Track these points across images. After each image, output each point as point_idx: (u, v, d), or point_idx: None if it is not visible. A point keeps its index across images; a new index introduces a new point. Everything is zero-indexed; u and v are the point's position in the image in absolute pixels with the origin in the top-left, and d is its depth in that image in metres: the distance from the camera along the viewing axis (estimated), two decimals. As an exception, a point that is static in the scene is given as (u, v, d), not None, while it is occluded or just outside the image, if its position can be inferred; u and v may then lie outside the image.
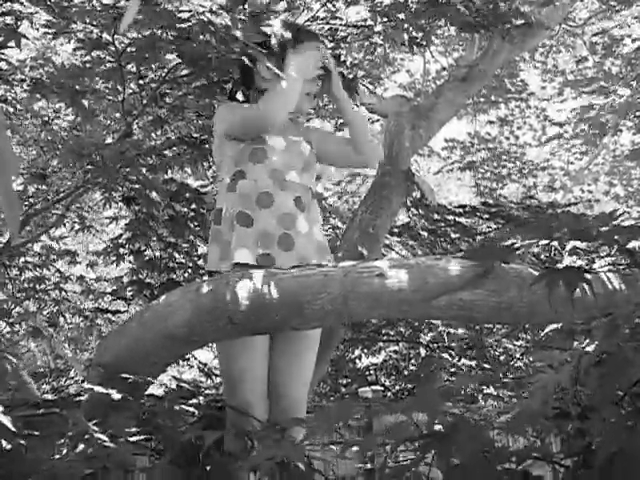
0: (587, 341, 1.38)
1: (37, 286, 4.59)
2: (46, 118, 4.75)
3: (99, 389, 1.58)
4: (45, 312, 5.01)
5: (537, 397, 1.43)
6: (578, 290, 1.75)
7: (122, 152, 2.66)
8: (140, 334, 1.84)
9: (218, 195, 2.26)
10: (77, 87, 2.74)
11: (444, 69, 8.10)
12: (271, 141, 2.17)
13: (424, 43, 3.28)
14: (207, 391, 2.32)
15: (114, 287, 3.88)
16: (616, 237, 1.54)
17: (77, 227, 4.62)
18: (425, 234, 4.47)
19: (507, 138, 9.68)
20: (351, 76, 3.17)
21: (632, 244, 1.57)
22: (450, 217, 4.38)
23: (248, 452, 1.65)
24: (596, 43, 7.98)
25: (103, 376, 1.76)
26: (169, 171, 3.33)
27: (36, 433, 1.54)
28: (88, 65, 2.78)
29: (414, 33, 3.18)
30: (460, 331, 5.19)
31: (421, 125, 3.47)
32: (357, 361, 6.04)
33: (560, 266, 1.51)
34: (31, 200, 4.29)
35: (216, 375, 4.59)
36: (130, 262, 3.59)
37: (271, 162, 2.15)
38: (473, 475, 0.93)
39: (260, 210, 2.09)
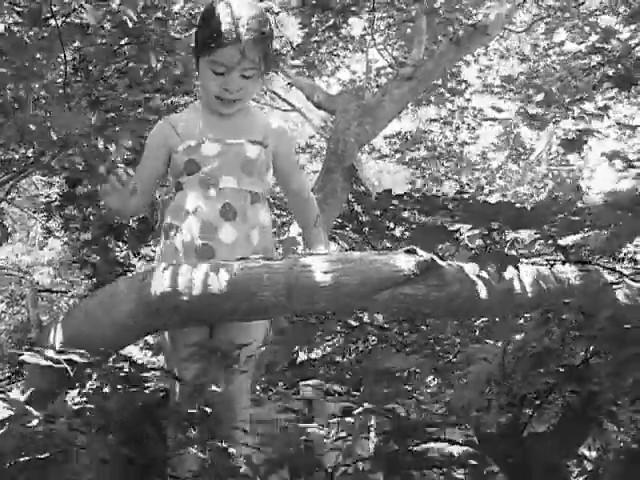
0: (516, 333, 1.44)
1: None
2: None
3: (45, 363, 1.55)
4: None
5: (471, 388, 1.50)
6: (517, 288, 1.81)
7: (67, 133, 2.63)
8: (85, 325, 1.82)
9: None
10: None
11: (385, 67, 8.15)
12: (204, 149, 2.14)
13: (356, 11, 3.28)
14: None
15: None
16: (551, 231, 1.60)
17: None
18: (366, 229, 4.53)
19: (445, 137, 9.83)
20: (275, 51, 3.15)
21: (565, 241, 1.64)
22: (390, 207, 4.43)
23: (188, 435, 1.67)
24: (537, 45, 8.20)
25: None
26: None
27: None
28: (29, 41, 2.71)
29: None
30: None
31: (367, 121, 3.53)
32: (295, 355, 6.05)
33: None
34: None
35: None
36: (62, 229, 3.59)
37: (203, 171, 2.13)
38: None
39: (185, 221, 2.10)
